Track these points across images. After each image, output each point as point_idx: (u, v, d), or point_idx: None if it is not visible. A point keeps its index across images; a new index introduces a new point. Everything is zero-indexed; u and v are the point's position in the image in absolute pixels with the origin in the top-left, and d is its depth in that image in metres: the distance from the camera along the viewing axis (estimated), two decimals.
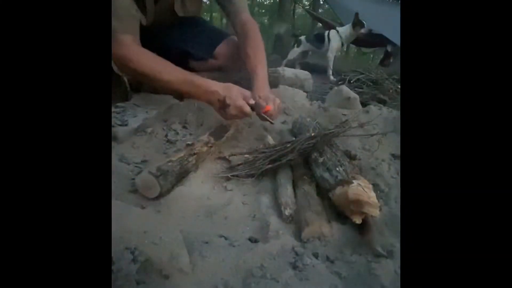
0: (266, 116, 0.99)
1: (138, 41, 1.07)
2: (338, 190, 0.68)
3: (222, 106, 0.99)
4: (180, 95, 1.20)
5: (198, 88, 1.02)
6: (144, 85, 1.28)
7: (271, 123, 1.02)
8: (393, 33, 3.56)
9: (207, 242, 0.60)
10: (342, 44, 3.49)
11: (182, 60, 1.36)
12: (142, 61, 1.03)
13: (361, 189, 0.65)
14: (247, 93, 0.99)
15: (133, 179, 0.77)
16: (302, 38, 3.75)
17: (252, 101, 0.98)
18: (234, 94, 0.97)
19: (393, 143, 1.03)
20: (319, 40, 3.59)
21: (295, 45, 3.77)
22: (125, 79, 1.14)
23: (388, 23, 3.48)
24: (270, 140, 1.02)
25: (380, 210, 0.69)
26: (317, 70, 3.26)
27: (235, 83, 1.04)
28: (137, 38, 1.07)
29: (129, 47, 1.03)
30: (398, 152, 1.01)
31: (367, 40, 3.87)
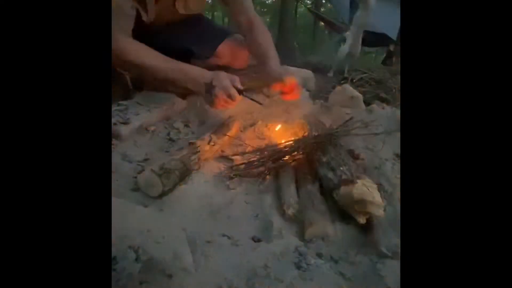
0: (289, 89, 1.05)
1: (130, 36, 1.07)
2: (342, 189, 0.68)
3: (209, 89, 0.98)
4: (176, 87, 1.18)
5: (185, 74, 1.02)
6: (146, 84, 1.27)
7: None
8: (395, 32, 3.55)
9: (210, 242, 0.60)
10: None
11: (184, 58, 1.36)
12: (128, 50, 1.03)
13: (365, 189, 0.64)
14: (235, 77, 0.98)
15: (136, 177, 0.77)
16: (345, 34, 3.33)
17: (240, 86, 0.97)
18: (221, 76, 0.96)
19: (397, 143, 1.02)
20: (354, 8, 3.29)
21: (341, 43, 3.32)
22: (127, 77, 1.14)
23: (390, 22, 3.45)
24: (273, 139, 1.01)
25: (385, 210, 0.68)
26: (320, 70, 3.23)
27: None
28: (130, 34, 1.07)
29: (119, 40, 1.02)
30: None
31: (370, 39, 3.85)
